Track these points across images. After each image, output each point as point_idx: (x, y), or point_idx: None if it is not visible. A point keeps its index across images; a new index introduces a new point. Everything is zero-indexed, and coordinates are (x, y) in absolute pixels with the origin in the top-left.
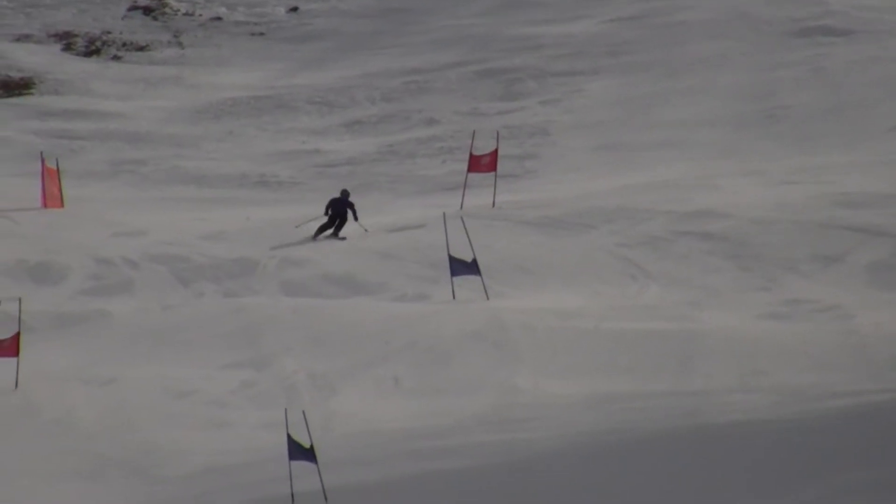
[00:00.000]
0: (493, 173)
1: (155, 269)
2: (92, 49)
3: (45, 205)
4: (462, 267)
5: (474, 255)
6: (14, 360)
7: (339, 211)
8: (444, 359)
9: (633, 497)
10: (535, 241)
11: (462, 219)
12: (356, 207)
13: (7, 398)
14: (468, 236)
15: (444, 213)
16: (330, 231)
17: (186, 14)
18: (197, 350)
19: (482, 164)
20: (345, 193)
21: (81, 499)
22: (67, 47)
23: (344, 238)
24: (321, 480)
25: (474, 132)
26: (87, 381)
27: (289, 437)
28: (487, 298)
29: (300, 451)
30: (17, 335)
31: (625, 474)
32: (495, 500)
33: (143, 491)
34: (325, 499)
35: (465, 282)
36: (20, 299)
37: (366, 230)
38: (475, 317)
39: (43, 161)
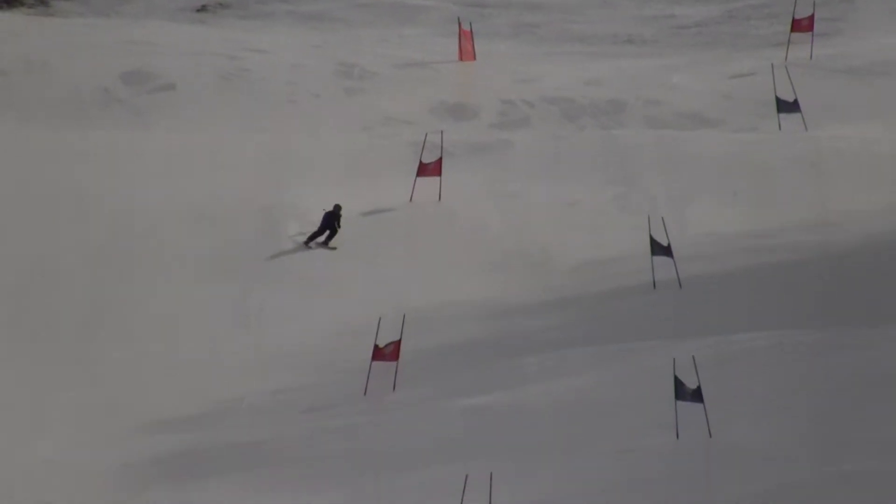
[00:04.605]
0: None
1: (547, 108)
2: None
3: (461, 58)
4: (787, 105)
5: (795, 96)
6: (437, 179)
7: (328, 223)
8: (773, 177)
9: None
10: (843, 83)
11: (786, 68)
12: (339, 222)
13: (433, 208)
14: (791, 81)
15: (772, 65)
16: (321, 238)
17: None
18: (581, 171)
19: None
20: (336, 207)
21: (491, 284)
22: None
23: (335, 248)
24: (676, 271)
25: None
26: (496, 195)
27: (651, 237)
28: (806, 129)
29: (660, 248)
30: (440, 160)
31: None
32: (812, 285)
33: (537, 279)
34: (679, 285)
35: (789, 116)
36: (442, 132)
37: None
38: (797, 145)
39: (460, 24)
